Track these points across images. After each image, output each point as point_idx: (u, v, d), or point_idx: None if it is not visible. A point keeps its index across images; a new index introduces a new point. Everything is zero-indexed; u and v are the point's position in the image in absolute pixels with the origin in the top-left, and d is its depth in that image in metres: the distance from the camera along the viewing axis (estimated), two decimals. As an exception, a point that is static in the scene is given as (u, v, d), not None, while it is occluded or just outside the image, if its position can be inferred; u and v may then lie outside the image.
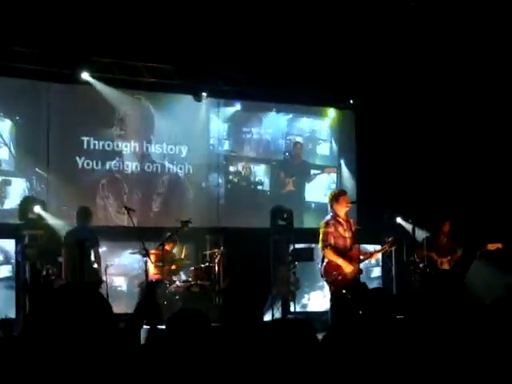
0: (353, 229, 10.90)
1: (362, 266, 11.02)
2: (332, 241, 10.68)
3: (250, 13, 12.66)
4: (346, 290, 10.65)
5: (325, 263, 10.71)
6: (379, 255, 12.54)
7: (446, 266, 12.50)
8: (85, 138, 14.02)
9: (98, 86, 13.81)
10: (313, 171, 16.05)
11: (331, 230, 10.66)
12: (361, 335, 3.82)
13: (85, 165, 13.99)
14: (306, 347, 3.23)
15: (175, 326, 3.68)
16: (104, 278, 12.15)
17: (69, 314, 2.66)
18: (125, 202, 13.52)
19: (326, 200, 12.06)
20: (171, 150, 14.77)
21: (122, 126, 14.37)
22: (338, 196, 11.02)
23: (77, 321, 2.65)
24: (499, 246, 12.35)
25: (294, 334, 3.33)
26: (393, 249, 13.15)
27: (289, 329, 3.43)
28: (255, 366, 3.20)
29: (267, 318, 13.87)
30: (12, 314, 12.37)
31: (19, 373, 2.64)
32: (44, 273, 11.89)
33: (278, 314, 13.86)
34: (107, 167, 14.18)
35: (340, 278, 10.56)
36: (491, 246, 12.34)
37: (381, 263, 15.10)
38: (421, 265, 12.81)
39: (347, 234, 10.76)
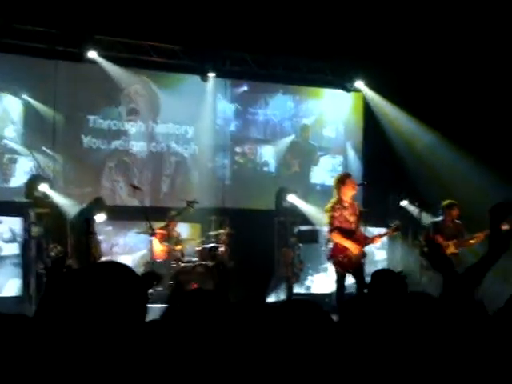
0: (357, 213, 10.96)
1: (367, 249, 11.12)
2: (337, 225, 10.77)
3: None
4: (352, 272, 10.80)
5: (331, 246, 10.82)
6: (383, 239, 12.55)
7: (451, 249, 12.45)
8: (91, 117, 14.00)
9: (105, 64, 13.76)
10: (319, 153, 16.04)
11: (336, 214, 10.73)
12: (371, 315, 3.81)
13: (91, 144, 13.98)
14: (321, 328, 3.23)
15: (184, 306, 3.68)
16: (110, 257, 12.18)
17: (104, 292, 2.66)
18: (134, 182, 13.54)
19: (331, 182, 12.06)
20: (177, 130, 14.76)
21: (128, 106, 14.35)
22: (344, 179, 11.05)
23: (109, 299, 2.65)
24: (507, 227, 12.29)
25: (308, 315, 3.33)
26: (397, 233, 13.21)
27: (301, 309, 3.42)
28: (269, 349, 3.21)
29: (271, 299, 13.91)
30: (18, 292, 12.44)
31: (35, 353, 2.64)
32: (53, 253, 11.91)
33: (281, 296, 13.90)
34: (113, 146, 14.18)
35: (346, 260, 10.68)
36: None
37: (386, 247, 15.10)
38: (425, 248, 12.79)
39: (352, 219, 10.83)
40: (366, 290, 10.24)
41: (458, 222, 12.62)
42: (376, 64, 14.94)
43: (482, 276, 3.78)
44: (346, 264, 10.71)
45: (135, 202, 13.65)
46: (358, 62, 15.10)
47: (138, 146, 14.39)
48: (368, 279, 10.83)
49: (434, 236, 12.50)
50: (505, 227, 12.14)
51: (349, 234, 10.76)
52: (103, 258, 12.13)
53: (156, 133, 14.60)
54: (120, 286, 2.71)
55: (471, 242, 12.41)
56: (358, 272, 10.79)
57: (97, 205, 12.34)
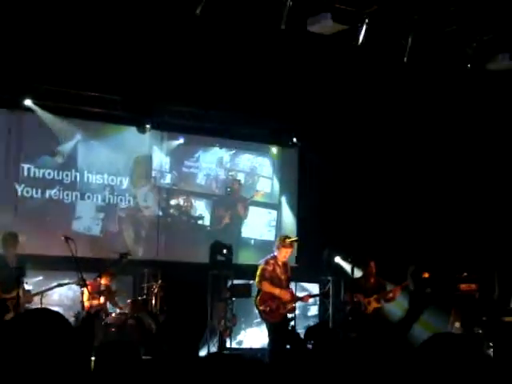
0: (288, 273, 11.35)
1: (298, 304, 11.47)
2: (268, 277, 11.02)
3: (195, 48, 12.73)
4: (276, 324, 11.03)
5: (260, 295, 11.09)
6: (311, 299, 13.00)
7: (374, 305, 12.65)
8: (25, 165, 13.86)
9: (41, 113, 13.68)
10: (253, 208, 16.04)
11: (270, 268, 11.11)
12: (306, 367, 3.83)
13: (24, 192, 13.82)
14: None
15: (104, 358, 3.65)
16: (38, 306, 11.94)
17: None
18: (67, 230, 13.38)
19: (265, 237, 12.28)
20: (112, 180, 14.67)
21: (63, 155, 14.24)
22: (283, 240, 11.46)
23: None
24: (426, 275, 12.77)
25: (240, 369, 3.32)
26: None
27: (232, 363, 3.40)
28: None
29: (203, 353, 13.80)
30: None
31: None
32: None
33: (213, 349, 13.81)
34: (47, 196, 14.03)
35: (274, 307, 10.94)
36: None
37: (318, 302, 15.15)
38: (348, 307, 13.00)
39: (283, 277, 11.22)
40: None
41: (377, 276, 12.87)
42: (310, 119, 15.16)
43: (409, 328, 3.88)
44: (274, 312, 10.95)
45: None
46: (293, 118, 15.27)
47: (72, 196, 14.27)
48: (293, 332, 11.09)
49: (356, 295, 12.69)
50: (425, 275, 12.76)
51: (279, 286, 11.04)
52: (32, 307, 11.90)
53: (91, 183, 14.48)
54: (53, 334, 2.68)
55: (390, 295, 12.71)
56: (285, 324, 11.12)
57: (11, 240, 11.87)
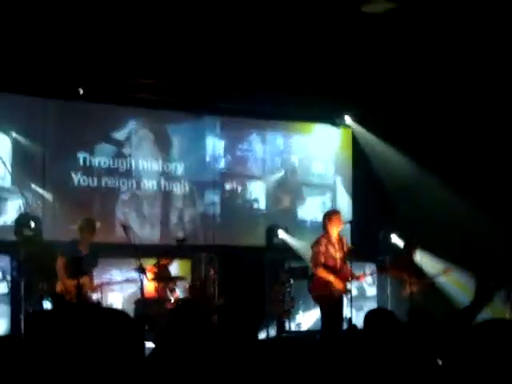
0: (345, 249, 11.03)
1: (358, 285, 11.27)
2: (322, 260, 10.81)
3: (247, 30, 12.68)
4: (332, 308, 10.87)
5: (313, 280, 10.91)
6: (367, 278, 12.71)
7: (413, 287, 12.39)
8: (81, 155, 13.99)
9: (96, 102, 13.77)
10: (308, 189, 16.03)
11: (322, 249, 10.85)
12: (362, 355, 3.81)
13: (81, 181, 13.96)
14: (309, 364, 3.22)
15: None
16: (99, 294, 12.10)
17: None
18: (121, 219, 13.56)
19: (320, 219, 12.15)
20: (167, 167, 14.75)
21: (118, 144, 14.35)
22: (330, 215, 11.21)
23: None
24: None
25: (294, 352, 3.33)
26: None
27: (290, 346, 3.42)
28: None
29: (262, 336, 13.84)
30: (6, 331, 12.33)
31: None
32: (42, 293, 11.81)
33: (272, 333, 13.83)
34: (103, 184, 14.16)
35: (327, 294, 10.74)
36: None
37: (376, 282, 15.07)
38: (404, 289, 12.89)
39: (338, 255, 10.93)
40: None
41: (415, 260, 12.72)
42: (364, 98, 15.02)
43: (472, 319, 3.84)
44: (327, 298, 10.77)
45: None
46: (345, 96, 15.14)
47: (128, 184, 14.37)
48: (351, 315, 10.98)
49: (400, 272, 12.54)
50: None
51: (333, 270, 10.83)
52: (93, 295, 12.05)
53: (146, 170, 14.57)
54: (116, 333, 2.73)
55: (428, 282, 12.59)
56: (335, 310, 10.92)
57: (90, 227, 12.07)
